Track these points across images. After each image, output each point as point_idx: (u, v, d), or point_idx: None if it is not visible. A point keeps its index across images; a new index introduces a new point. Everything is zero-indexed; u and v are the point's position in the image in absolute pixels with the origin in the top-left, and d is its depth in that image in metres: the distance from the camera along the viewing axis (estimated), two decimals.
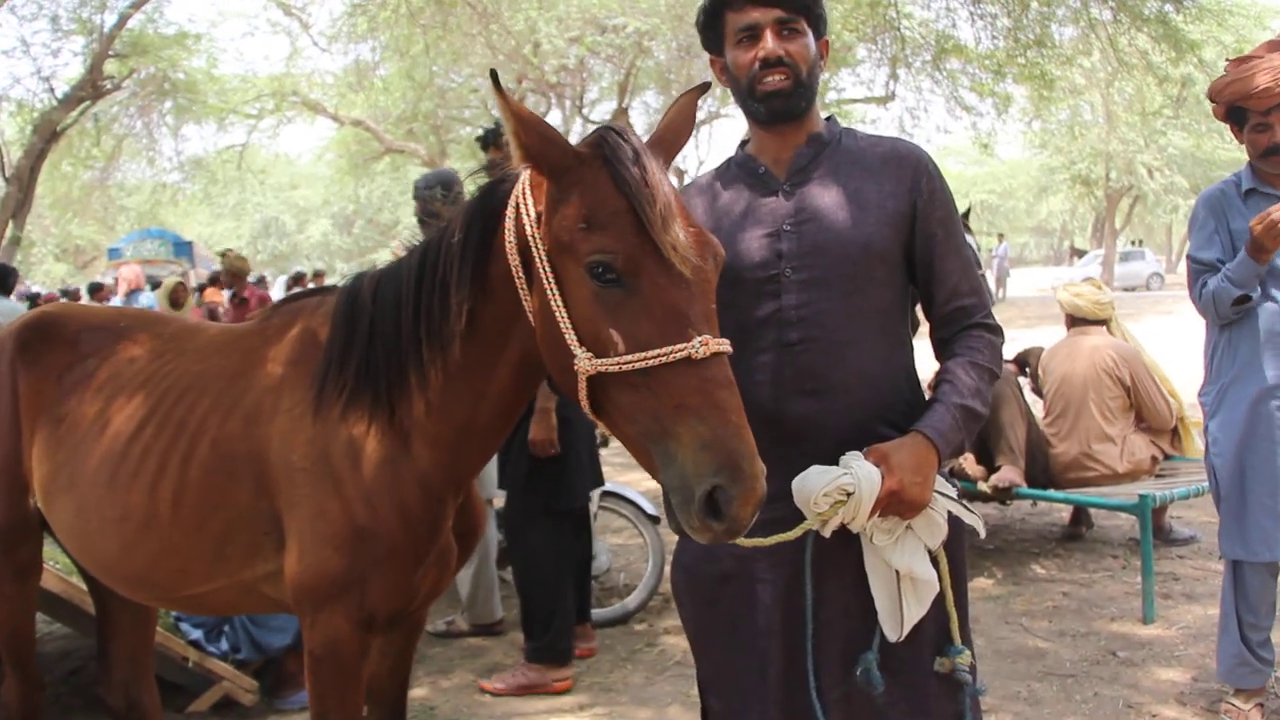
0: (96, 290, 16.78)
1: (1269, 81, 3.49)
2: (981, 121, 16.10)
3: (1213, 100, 3.72)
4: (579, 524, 4.74)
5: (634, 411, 1.80)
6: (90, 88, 18.00)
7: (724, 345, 1.80)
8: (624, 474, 8.45)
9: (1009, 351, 6.19)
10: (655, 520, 5.41)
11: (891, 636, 2.09)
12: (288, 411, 2.41)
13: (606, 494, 5.40)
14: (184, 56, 21.48)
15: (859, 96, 21.90)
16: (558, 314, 1.89)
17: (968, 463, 5.63)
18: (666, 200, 1.82)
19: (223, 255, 12.33)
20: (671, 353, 1.76)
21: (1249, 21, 20.00)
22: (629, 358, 1.78)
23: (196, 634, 4.32)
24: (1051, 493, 5.54)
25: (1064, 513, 6.55)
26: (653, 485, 7.24)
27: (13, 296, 10.53)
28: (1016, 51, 11.02)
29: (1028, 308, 23.74)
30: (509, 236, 2.02)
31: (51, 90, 18.21)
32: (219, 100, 23.02)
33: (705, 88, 2.30)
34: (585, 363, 1.83)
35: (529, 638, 4.51)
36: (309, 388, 2.37)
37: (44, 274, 40.26)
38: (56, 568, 3.99)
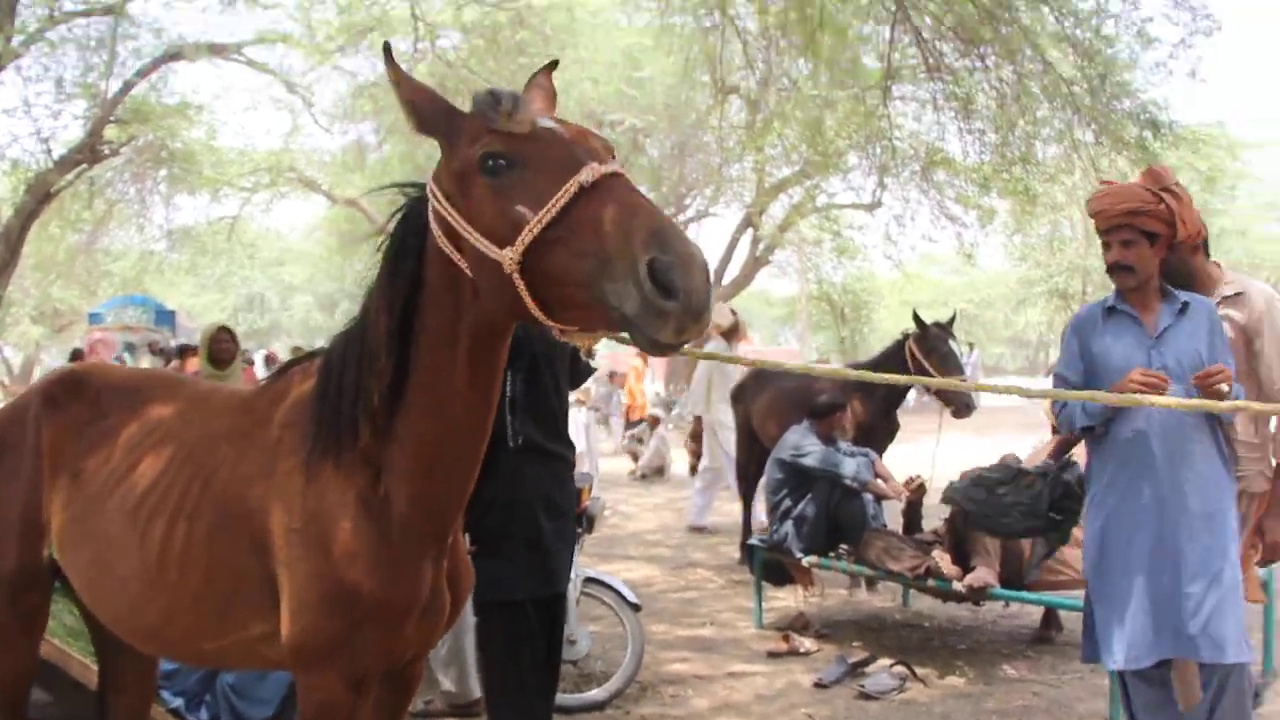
0: (76, 357, 16.78)
1: (1105, 205, 3.85)
2: (965, 232, 16.54)
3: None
4: (545, 620, 4.41)
5: (568, 267, 1.88)
6: (88, 151, 18.12)
7: (612, 168, 1.94)
8: (604, 564, 8.49)
9: (986, 458, 6.33)
10: (636, 608, 5.46)
11: None
12: (284, 473, 2.49)
13: (589, 580, 5.46)
14: (184, 126, 21.67)
15: (848, 202, 22.39)
16: (469, 235, 2.03)
17: (944, 562, 5.72)
18: (513, 97, 2.05)
19: None
20: (566, 190, 1.88)
21: (1222, 151, 20.69)
22: (535, 217, 1.89)
23: (177, 702, 4.32)
24: (1025, 594, 5.63)
25: (1035, 616, 6.62)
26: (632, 575, 7.20)
27: None
28: (1002, 167, 11.40)
29: (996, 414, 23.96)
30: (435, 229, 2.18)
31: (49, 151, 18.32)
32: (214, 172, 23.18)
33: (555, 65, 2.53)
34: (508, 256, 1.93)
35: None
36: (301, 448, 2.46)
37: (19, 335, 40.00)
38: (54, 640, 3.99)
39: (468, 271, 2.11)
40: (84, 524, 2.83)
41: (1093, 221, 4.00)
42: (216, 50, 19.94)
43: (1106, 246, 3.89)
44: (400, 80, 2.16)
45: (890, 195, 18.50)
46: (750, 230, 24.79)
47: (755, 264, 26.25)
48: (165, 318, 25.31)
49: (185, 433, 2.79)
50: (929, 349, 7.44)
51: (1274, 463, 4.24)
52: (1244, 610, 3.67)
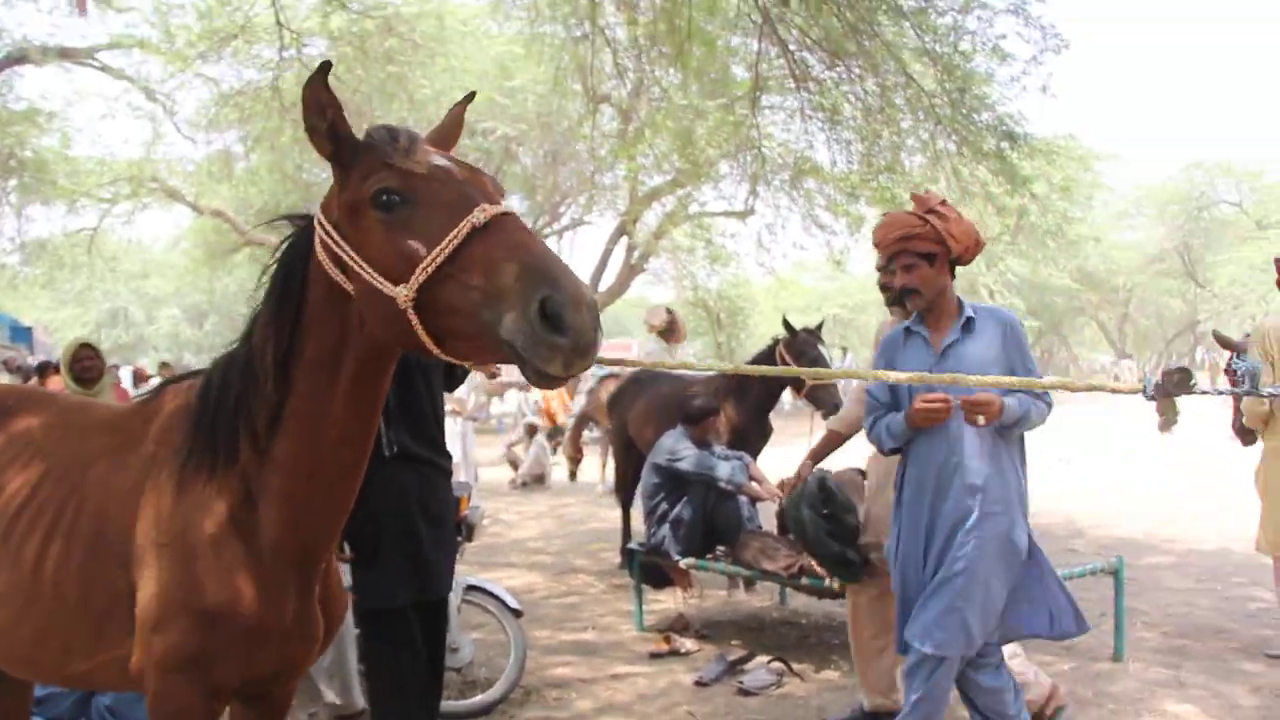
0: None
1: (879, 236, 4.17)
2: (835, 239, 16.95)
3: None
4: (427, 625, 4.49)
5: (461, 301, 1.93)
6: None
7: (504, 208, 2.01)
8: (486, 572, 8.48)
9: (855, 461, 6.52)
10: (518, 614, 5.50)
11: None
12: (155, 489, 2.47)
13: (471, 588, 5.48)
14: (34, 134, 20.88)
15: (720, 210, 22.73)
16: (361, 269, 2.07)
17: (816, 561, 5.88)
18: (410, 136, 2.14)
19: None
20: (460, 230, 1.94)
21: (1074, 162, 21.67)
22: (429, 255, 1.95)
23: None
24: None
25: None
26: (514, 583, 7.19)
27: None
28: (869, 175, 11.73)
29: None
30: (322, 257, 2.20)
31: None
32: (70, 182, 22.35)
33: (472, 97, 2.59)
34: (403, 293, 1.98)
35: None
36: (174, 462, 2.45)
37: None
38: None
39: (355, 300, 2.15)
40: None
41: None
42: (67, 54, 19.26)
43: (893, 274, 4.14)
44: (330, 103, 2.16)
45: (762, 203, 18.84)
46: (625, 238, 24.99)
47: (630, 271, 26.47)
48: (21, 335, 24.17)
49: (57, 450, 2.75)
50: (798, 352, 7.64)
51: None
52: (985, 606, 3.90)
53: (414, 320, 1.99)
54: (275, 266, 2.36)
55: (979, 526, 3.89)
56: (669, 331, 9.81)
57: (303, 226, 2.35)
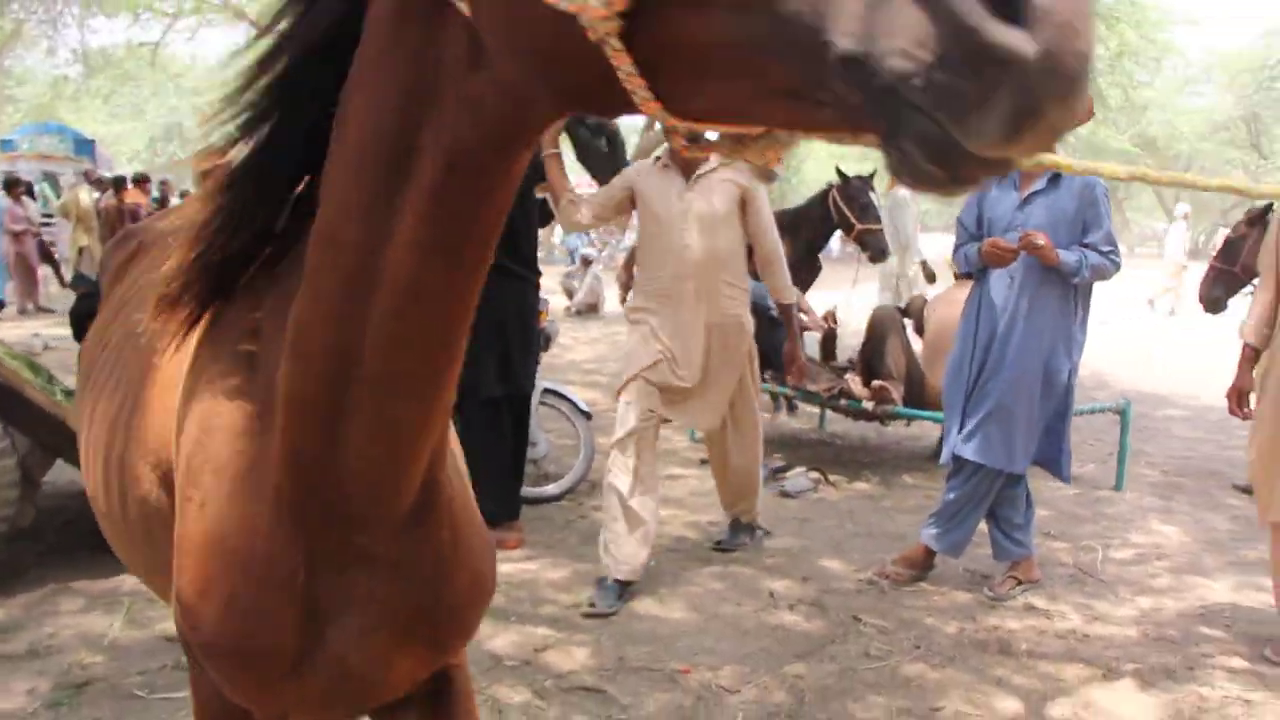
0: (11, 186, 15.79)
1: None
2: None
3: None
4: (513, 417, 5.35)
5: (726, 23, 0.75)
6: None
7: None
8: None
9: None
10: (588, 416, 6.24)
11: None
12: (182, 373, 1.54)
13: (547, 392, 6.21)
14: None
15: None
16: None
17: (855, 384, 6.57)
18: None
19: None
20: None
21: (1133, 29, 21.08)
22: None
23: None
24: (923, 412, 6.52)
25: (933, 436, 7.55)
26: (587, 396, 7.81)
27: None
28: None
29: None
30: None
31: None
32: None
33: None
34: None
35: None
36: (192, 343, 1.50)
37: None
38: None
39: (462, 7, 0.97)
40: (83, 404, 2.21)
41: None
42: None
43: None
44: None
45: None
46: None
47: None
48: (84, 147, 24.82)
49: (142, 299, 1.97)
50: (850, 198, 8.16)
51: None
52: (1018, 430, 4.53)
53: (622, 61, 0.81)
54: None
55: (1027, 357, 4.49)
56: None
57: None
